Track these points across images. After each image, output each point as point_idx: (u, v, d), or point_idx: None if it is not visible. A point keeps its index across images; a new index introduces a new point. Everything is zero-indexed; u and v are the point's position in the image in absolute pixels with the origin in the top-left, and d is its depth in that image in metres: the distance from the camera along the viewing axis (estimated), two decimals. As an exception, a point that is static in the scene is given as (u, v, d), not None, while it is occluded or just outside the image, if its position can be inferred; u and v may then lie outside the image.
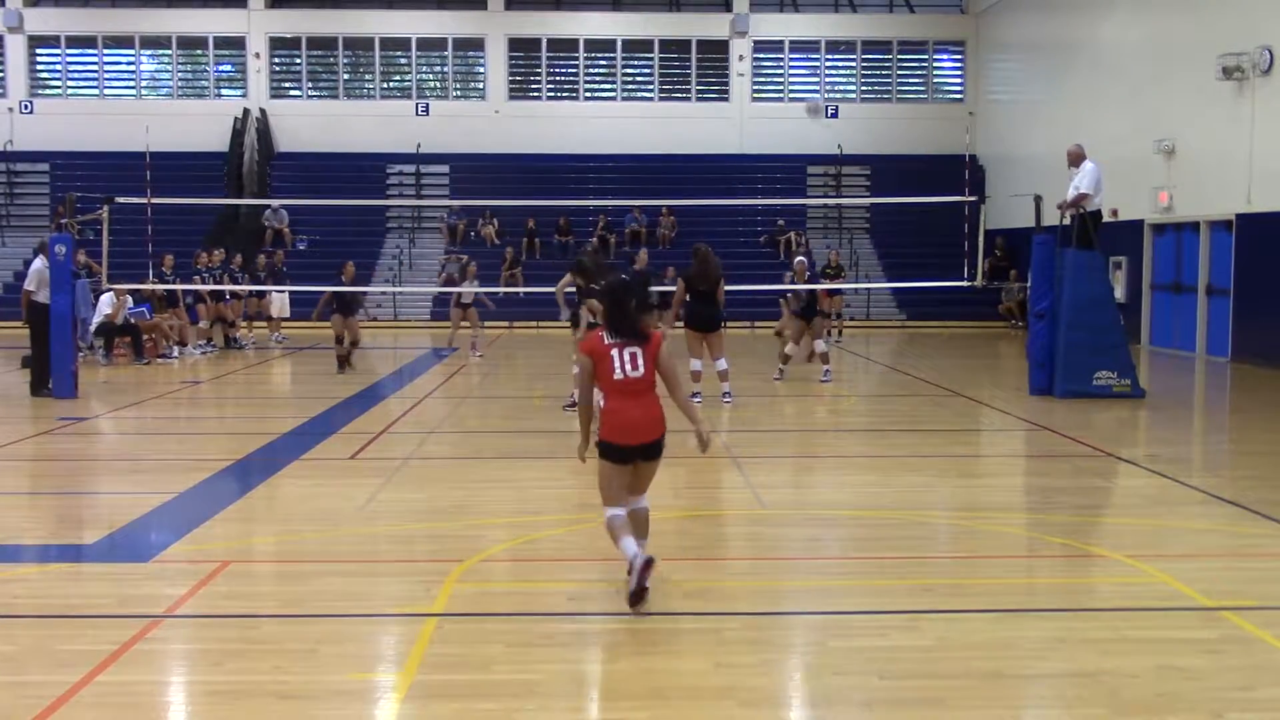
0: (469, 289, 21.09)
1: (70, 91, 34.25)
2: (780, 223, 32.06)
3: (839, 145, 33.38)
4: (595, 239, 29.92)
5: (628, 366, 6.55)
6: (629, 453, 6.59)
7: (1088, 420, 13.51)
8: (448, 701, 5.31)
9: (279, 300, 24.37)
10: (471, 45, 34.51)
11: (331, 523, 8.72)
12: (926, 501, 9.75)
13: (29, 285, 15.40)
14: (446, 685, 5.50)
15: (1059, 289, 15.30)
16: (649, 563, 6.44)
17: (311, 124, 33.67)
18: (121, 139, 30.39)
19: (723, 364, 14.48)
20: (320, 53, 34.49)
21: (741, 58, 34.12)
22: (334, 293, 18.79)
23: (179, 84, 34.61)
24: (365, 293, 22.72)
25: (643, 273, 13.84)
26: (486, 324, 23.48)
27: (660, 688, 5.46)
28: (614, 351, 6.57)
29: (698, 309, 14.23)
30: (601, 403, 6.70)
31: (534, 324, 27.82)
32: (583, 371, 6.75)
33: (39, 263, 15.32)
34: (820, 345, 17.40)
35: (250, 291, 23.43)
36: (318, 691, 5.44)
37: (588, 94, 34.63)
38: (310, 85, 34.60)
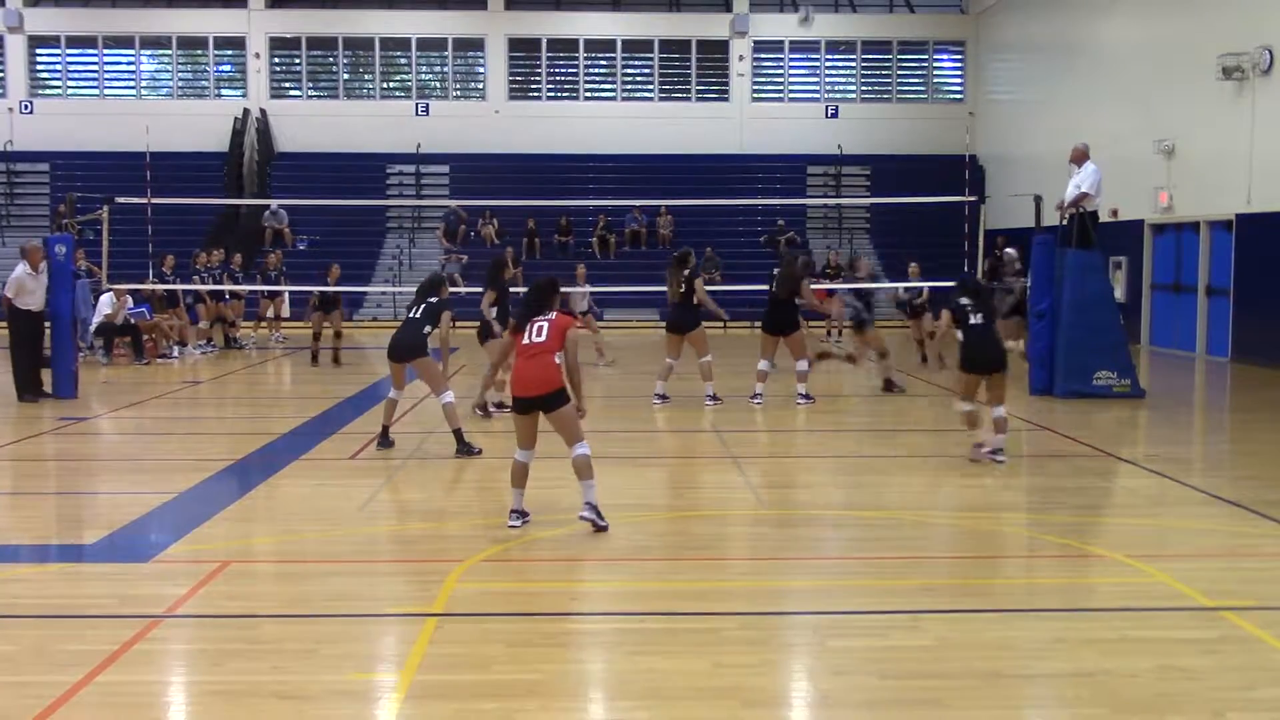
0: (580, 290, 20.32)
1: (70, 91, 34.21)
2: (780, 223, 32.05)
3: (839, 145, 33.37)
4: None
5: (534, 334, 8.38)
6: (527, 404, 8.31)
7: (1088, 420, 13.51)
8: (448, 701, 5.31)
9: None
10: (471, 45, 34.49)
11: (331, 523, 8.72)
12: (926, 501, 9.75)
13: (8, 292, 15.13)
14: (446, 685, 5.50)
15: (1059, 289, 15.31)
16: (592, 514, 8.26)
17: (311, 124, 33.63)
18: (121, 139, 30.38)
19: (802, 365, 14.89)
20: (320, 53, 34.46)
21: (741, 58, 34.10)
22: (319, 292, 19.48)
23: (179, 84, 34.57)
24: (348, 292, 22.87)
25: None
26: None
27: (660, 688, 5.46)
28: (528, 325, 8.42)
29: (769, 312, 14.91)
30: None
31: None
32: (505, 346, 8.87)
33: (20, 269, 15.15)
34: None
35: (264, 293, 23.32)
36: (318, 691, 5.44)
37: (588, 94, 34.60)
38: (310, 85, 34.57)
